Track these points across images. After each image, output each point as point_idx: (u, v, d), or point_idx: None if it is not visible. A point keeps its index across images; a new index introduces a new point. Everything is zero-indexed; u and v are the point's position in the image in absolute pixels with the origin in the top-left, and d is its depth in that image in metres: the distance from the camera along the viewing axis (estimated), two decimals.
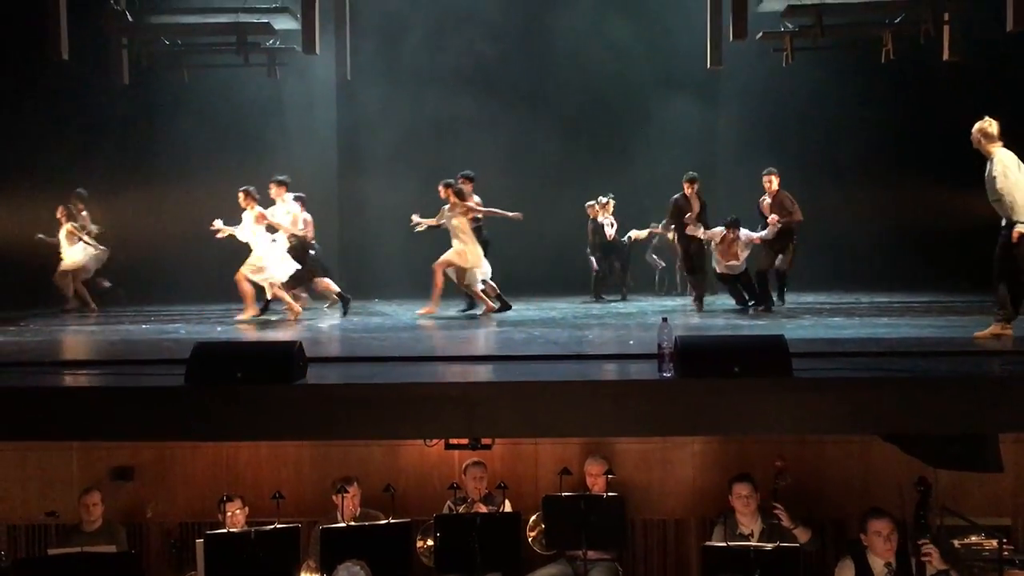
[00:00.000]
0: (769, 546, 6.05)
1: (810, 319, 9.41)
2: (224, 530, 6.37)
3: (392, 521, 6.41)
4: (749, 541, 6.33)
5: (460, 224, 10.01)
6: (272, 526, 6.22)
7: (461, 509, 6.68)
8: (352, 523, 6.52)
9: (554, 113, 14.00)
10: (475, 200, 10.28)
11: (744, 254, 10.34)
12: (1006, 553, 6.22)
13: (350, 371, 6.36)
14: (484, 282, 10.21)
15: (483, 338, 8.31)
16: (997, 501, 6.92)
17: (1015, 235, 6.75)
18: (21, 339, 8.61)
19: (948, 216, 12.35)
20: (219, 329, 9.44)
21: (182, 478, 7.39)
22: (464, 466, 6.97)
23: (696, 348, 5.58)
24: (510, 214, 10.15)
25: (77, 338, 8.84)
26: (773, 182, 10.43)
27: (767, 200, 10.47)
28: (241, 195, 10.11)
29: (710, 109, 14.11)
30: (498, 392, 5.65)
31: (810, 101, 13.04)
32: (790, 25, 11.45)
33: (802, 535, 6.39)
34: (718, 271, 10.51)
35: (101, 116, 12.57)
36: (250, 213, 10.11)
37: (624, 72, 14.19)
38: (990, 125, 6.97)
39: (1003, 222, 6.89)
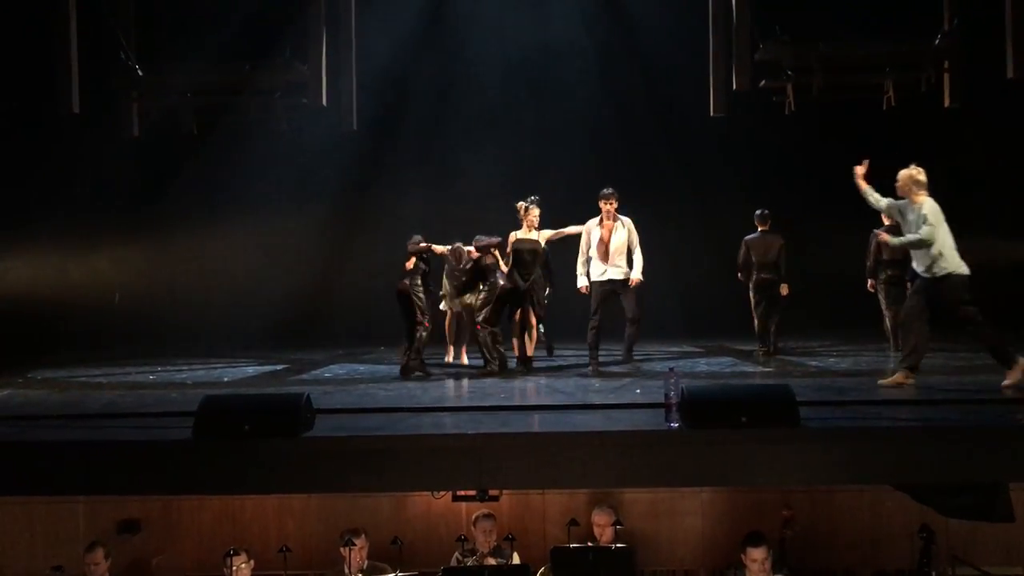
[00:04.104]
0: None
1: (816, 365, 9.39)
2: None
3: (400, 574, 6.37)
4: None
5: None
6: None
7: (469, 562, 6.63)
8: None
9: (559, 162, 14.07)
10: None
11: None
12: None
13: (357, 422, 6.36)
14: None
15: (489, 388, 8.30)
16: (1009, 550, 6.86)
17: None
18: (28, 391, 8.63)
19: None
20: (226, 379, 9.44)
21: (189, 531, 7.36)
22: (473, 518, 6.93)
23: (703, 398, 5.59)
24: None
25: (84, 391, 8.84)
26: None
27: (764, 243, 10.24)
28: None
29: (713, 156, 14.17)
30: (506, 443, 5.66)
31: (810, 149, 13.12)
32: (791, 73, 11.55)
33: None
34: None
35: (111, 169, 12.69)
36: None
37: (628, 120, 14.32)
38: (920, 173, 7.27)
39: (921, 270, 7.19)
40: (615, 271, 9.07)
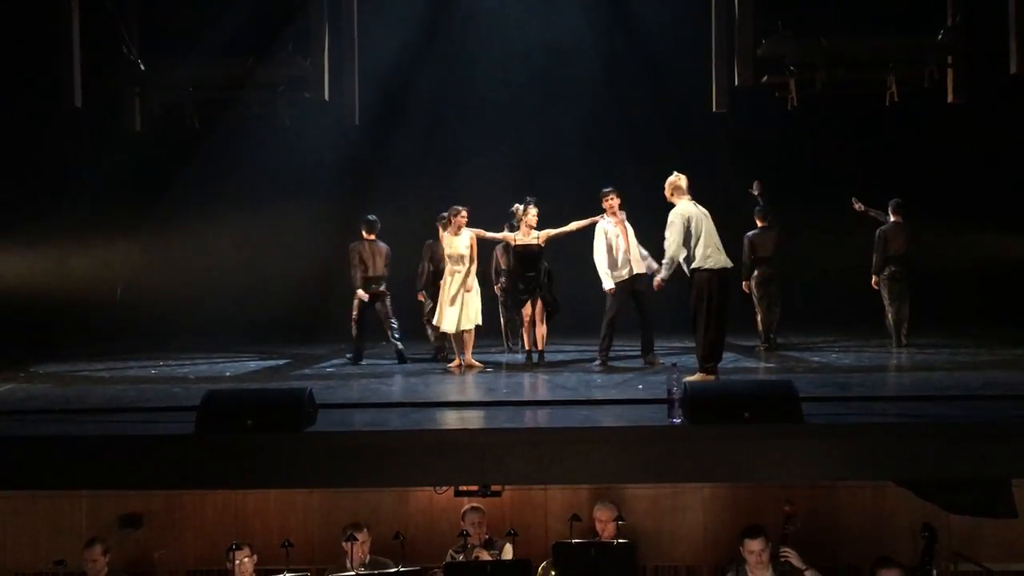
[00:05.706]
0: None
1: (819, 361, 9.39)
2: None
3: (402, 569, 6.36)
4: None
5: None
6: (281, 575, 6.19)
7: (460, 557, 6.63)
8: (362, 571, 6.47)
9: (560, 158, 14.06)
10: None
11: None
12: None
13: (360, 417, 6.37)
14: None
15: (492, 383, 8.30)
16: (1012, 547, 6.85)
17: (656, 285, 7.76)
18: (30, 386, 8.64)
19: (952, 256, 12.38)
20: (228, 374, 9.45)
21: (191, 525, 7.36)
22: (463, 511, 6.92)
23: (706, 394, 5.60)
24: None
25: (86, 385, 8.85)
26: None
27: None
28: None
29: (715, 152, 14.16)
30: (508, 439, 5.67)
31: (813, 144, 13.10)
32: (793, 69, 11.52)
33: None
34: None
35: (113, 163, 12.69)
36: None
37: (630, 117, 14.31)
38: (680, 180, 7.67)
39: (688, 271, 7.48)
40: (638, 265, 9.06)
